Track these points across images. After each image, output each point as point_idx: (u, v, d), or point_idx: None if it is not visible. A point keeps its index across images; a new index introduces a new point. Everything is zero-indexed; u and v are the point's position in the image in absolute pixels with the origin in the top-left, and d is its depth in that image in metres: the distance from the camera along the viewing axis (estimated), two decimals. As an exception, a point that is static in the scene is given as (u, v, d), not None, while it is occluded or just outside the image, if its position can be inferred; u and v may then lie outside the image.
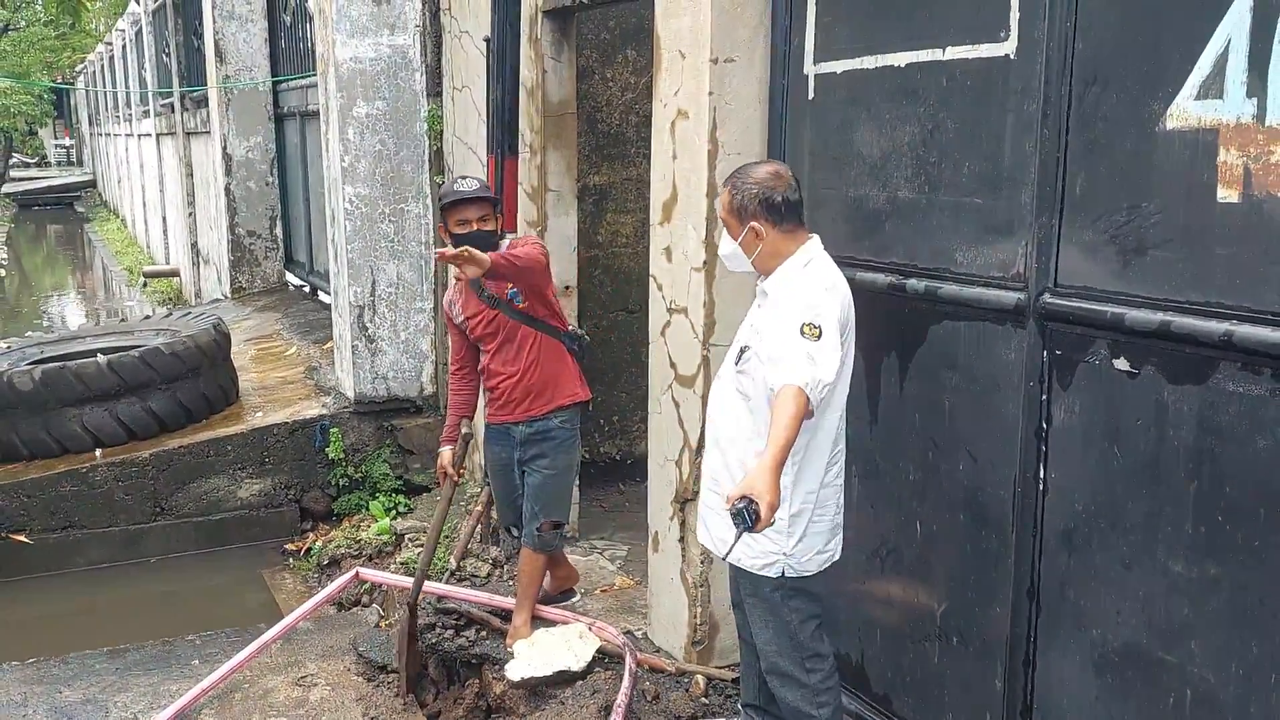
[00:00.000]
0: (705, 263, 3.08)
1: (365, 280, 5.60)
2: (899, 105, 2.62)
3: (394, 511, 5.45)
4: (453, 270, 3.66)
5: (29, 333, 8.28)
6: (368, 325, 5.65)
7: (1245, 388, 1.91)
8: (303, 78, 7.63)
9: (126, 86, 16.64)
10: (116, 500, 5.35)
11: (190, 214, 10.78)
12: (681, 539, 3.33)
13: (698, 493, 3.20)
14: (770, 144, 3.06)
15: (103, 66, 21.21)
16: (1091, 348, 2.18)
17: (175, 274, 12.33)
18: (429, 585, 3.80)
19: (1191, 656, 2.05)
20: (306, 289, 8.77)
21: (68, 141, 39.99)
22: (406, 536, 5.03)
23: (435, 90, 5.48)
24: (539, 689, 3.33)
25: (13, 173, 31.09)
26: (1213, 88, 1.91)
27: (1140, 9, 2.05)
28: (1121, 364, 2.12)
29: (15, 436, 5.37)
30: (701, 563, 3.26)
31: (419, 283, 5.68)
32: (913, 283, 2.61)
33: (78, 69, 28.14)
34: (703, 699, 3.23)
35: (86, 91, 27.11)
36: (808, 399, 2.19)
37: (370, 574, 4.37)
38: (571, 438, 3.59)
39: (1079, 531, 2.26)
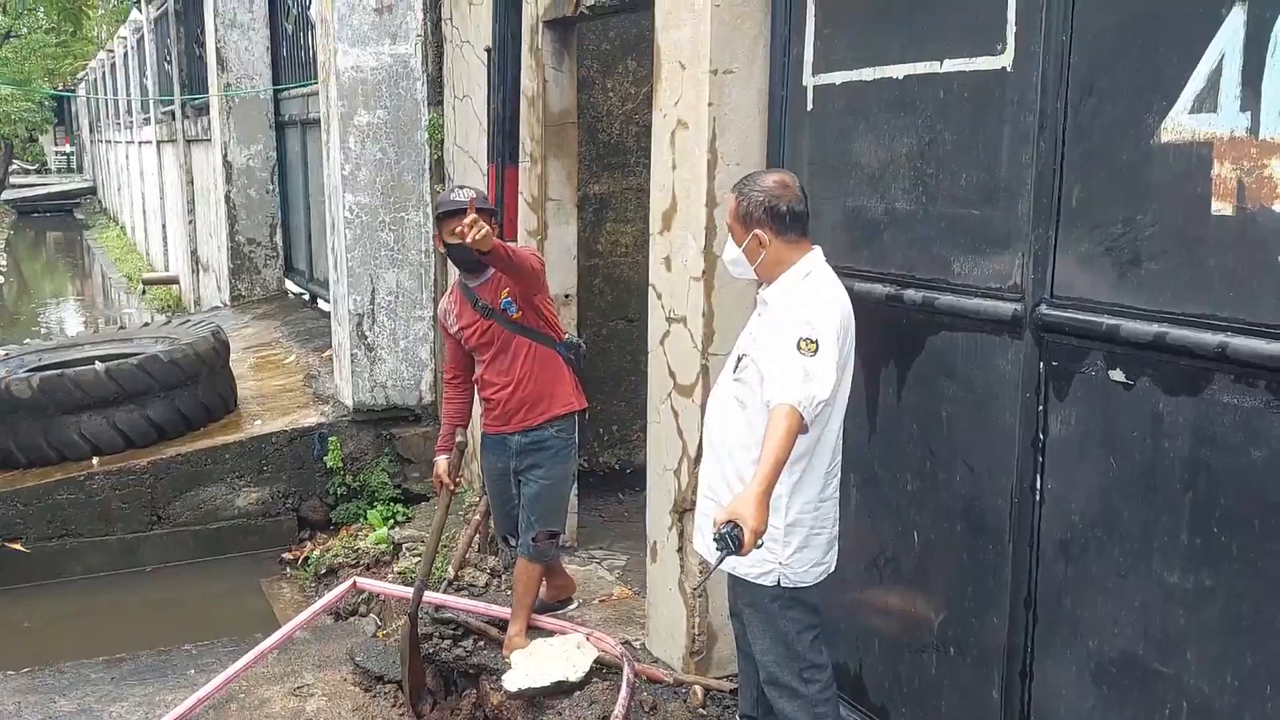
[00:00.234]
0: (704, 272, 3.09)
1: (365, 288, 5.61)
2: (897, 116, 2.64)
3: (392, 521, 5.44)
4: (450, 275, 3.66)
5: (27, 340, 8.29)
6: (367, 333, 5.66)
7: (1239, 399, 1.92)
8: (304, 86, 7.66)
9: (128, 94, 16.68)
10: (114, 508, 5.34)
11: (190, 221, 10.79)
12: (680, 549, 3.33)
13: (696, 502, 3.20)
14: (769, 154, 3.08)
15: (104, 74, 21.26)
16: (1087, 359, 2.19)
17: (174, 281, 12.34)
18: (426, 595, 3.80)
19: (1187, 666, 2.05)
20: (306, 297, 8.78)
21: (68, 148, 40.04)
22: (404, 546, 5.02)
23: (436, 99, 5.50)
24: (536, 700, 3.33)
25: (13, 179, 31.09)
26: (1207, 101, 1.92)
27: (1135, 23, 2.06)
28: (1117, 375, 2.13)
29: (12, 444, 5.36)
30: (700, 572, 3.26)
31: (418, 291, 5.69)
32: (910, 293, 2.62)
33: (79, 76, 28.20)
34: (700, 710, 3.22)
35: (87, 99, 27.16)
36: (801, 417, 2.21)
37: (368, 583, 4.36)
38: (567, 447, 3.60)
39: (1075, 541, 2.26)
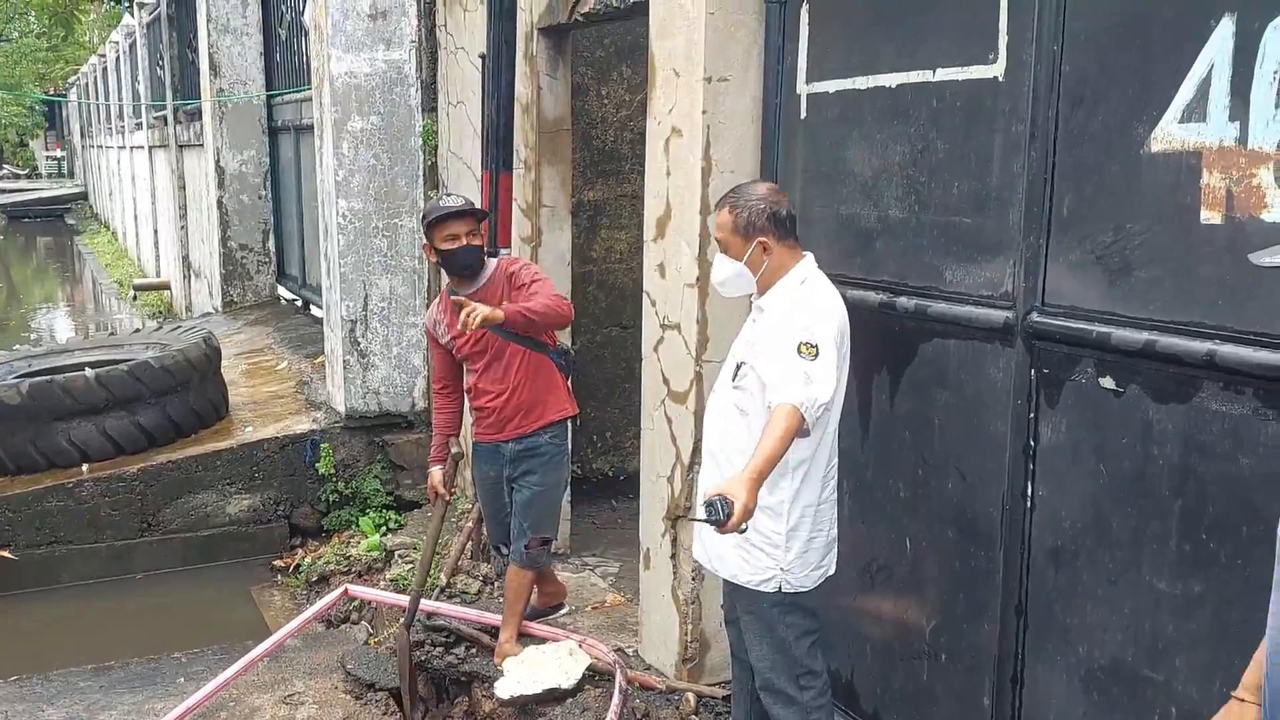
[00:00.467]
0: (699, 279, 3.10)
1: (358, 295, 5.61)
2: (890, 125, 2.65)
3: (384, 528, 5.43)
4: (443, 281, 3.66)
5: (17, 346, 8.25)
6: (360, 340, 5.65)
7: (1228, 407, 1.93)
8: (297, 91, 7.66)
9: (119, 99, 16.64)
10: (103, 516, 5.32)
11: (182, 227, 10.76)
12: (673, 556, 3.33)
13: (689, 509, 3.21)
14: (763, 162, 3.09)
15: (95, 78, 21.21)
16: (1078, 366, 2.21)
17: (166, 287, 12.30)
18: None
19: (1177, 673, 2.06)
20: (299, 303, 8.76)
21: (59, 153, 39.88)
22: (396, 553, 5.00)
23: (430, 105, 5.50)
24: (528, 707, 3.32)
25: (3, 184, 30.99)
26: (1196, 111, 1.94)
27: (1125, 33, 2.08)
28: (1107, 382, 2.14)
29: (1, 451, 5.33)
30: (693, 579, 3.26)
31: (411, 297, 5.69)
32: (903, 301, 2.64)
33: (70, 81, 28.13)
34: (693, 717, 3.22)
35: (79, 103, 27.09)
36: (802, 418, 2.21)
37: (359, 591, 4.35)
38: (560, 454, 3.59)
39: (1066, 548, 2.27)
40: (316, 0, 5.53)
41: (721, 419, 2.56)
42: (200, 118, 9.28)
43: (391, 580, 4.67)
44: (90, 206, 26.48)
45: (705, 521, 2.12)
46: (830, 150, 2.88)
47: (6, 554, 5.15)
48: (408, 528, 5.39)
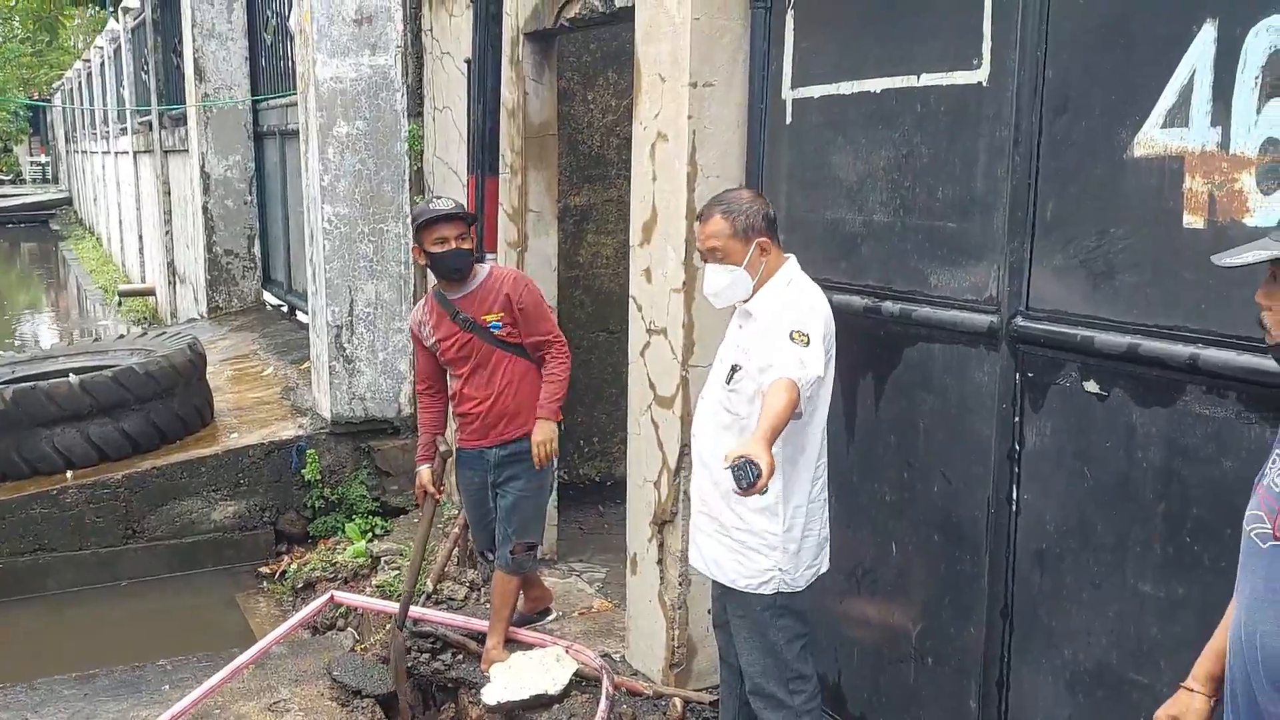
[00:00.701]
0: (685, 284, 3.10)
1: (343, 300, 5.59)
2: (875, 130, 2.66)
3: (370, 534, 5.40)
4: (429, 286, 3.65)
5: (0, 352, 8.18)
6: (345, 345, 5.63)
7: (1211, 410, 1.94)
8: (283, 96, 7.63)
9: (104, 104, 16.55)
10: (88, 522, 5.27)
11: (167, 232, 10.70)
12: (660, 561, 3.33)
13: (676, 514, 3.20)
14: (749, 167, 3.09)
15: (80, 83, 21.09)
16: (1062, 370, 2.21)
17: (151, 293, 12.22)
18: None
19: (1161, 675, 2.07)
20: (284, 308, 8.72)
21: (43, 159, 39.64)
22: (383, 559, 4.98)
23: (416, 110, 5.49)
24: (515, 713, 3.31)
25: (-14, 190, 30.78)
26: (1178, 116, 1.95)
27: (1108, 39, 2.10)
28: (1091, 386, 2.15)
29: (-15, 457, 5.29)
30: (680, 584, 3.26)
31: (397, 303, 5.67)
32: (888, 305, 2.64)
33: (55, 86, 27.97)
34: (680, 721, 3.21)
35: (63, 108, 26.93)
36: (799, 393, 2.25)
37: (345, 597, 4.33)
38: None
39: (1051, 552, 2.28)
40: (302, 5, 5.52)
41: (712, 422, 2.56)
42: (185, 123, 9.23)
43: (377, 586, 4.65)
44: (75, 212, 26.32)
45: (737, 485, 2.10)
46: (815, 155, 2.88)
47: (-12, 562, 5.10)
48: (394, 534, 5.37)
